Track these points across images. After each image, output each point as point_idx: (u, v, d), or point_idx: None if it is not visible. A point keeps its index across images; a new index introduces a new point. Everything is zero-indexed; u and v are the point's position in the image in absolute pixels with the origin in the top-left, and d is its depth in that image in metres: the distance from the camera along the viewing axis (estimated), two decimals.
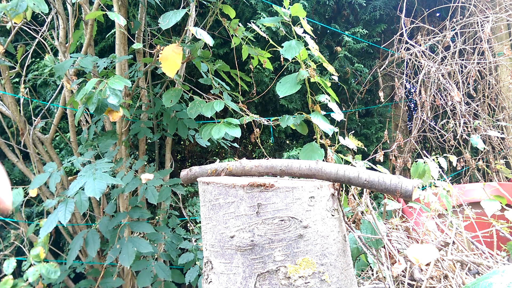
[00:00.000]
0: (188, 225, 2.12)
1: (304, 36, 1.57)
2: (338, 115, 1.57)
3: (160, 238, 1.83)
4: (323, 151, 1.52)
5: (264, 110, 3.00)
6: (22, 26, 1.99)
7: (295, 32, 1.57)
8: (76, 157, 1.80)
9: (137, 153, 2.40)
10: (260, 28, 2.11)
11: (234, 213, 0.80)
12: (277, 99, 2.91)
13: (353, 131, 2.50)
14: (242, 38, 1.91)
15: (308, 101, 1.64)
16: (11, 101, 1.99)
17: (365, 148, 2.97)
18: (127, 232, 1.86)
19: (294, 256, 0.78)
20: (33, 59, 2.71)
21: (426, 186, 1.57)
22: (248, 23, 1.87)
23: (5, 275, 1.64)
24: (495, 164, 2.70)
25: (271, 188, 0.78)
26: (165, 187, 1.80)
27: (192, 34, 1.60)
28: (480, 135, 2.49)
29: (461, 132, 2.64)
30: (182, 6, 2.34)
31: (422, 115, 2.89)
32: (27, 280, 1.57)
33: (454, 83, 2.78)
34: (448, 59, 2.84)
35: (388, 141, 2.93)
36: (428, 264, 1.18)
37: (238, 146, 2.81)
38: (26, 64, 2.27)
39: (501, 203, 1.49)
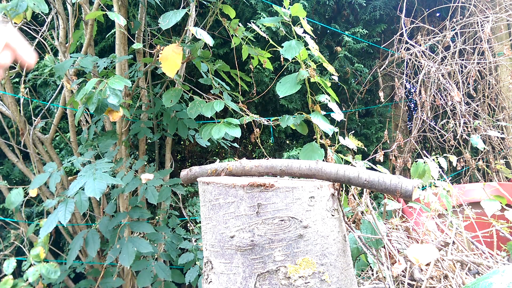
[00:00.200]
0: (188, 225, 2.12)
1: (304, 36, 1.57)
2: (338, 115, 1.57)
3: (160, 238, 1.83)
4: (323, 151, 1.52)
5: (264, 110, 3.00)
6: (22, 26, 1.99)
7: (295, 32, 1.57)
8: (76, 157, 1.80)
9: (137, 153, 2.40)
10: (260, 28, 2.11)
11: (234, 213, 0.80)
12: (277, 99, 2.91)
13: (353, 131, 2.50)
14: (242, 38, 1.91)
15: (308, 101, 1.64)
16: (11, 101, 1.99)
17: (365, 148, 2.97)
18: (127, 232, 1.86)
19: (294, 256, 0.78)
20: None
21: (426, 186, 1.57)
22: (248, 23, 1.87)
23: (5, 275, 1.64)
24: (495, 164, 2.70)
25: (271, 188, 0.78)
26: (165, 187, 1.80)
27: (192, 34, 1.60)
28: (480, 135, 2.49)
29: (461, 132, 2.64)
30: (182, 6, 2.34)
31: (422, 115, 2.89)
32: (27, 280, 1.57)
33: (454, 83, 2.78)
34: (448, 59, 2.84)
35: (388, 141, 2.93)
36: (428, 264, 1.18)
37: (238, 146, 2.81)
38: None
39: (501, 203, 1.49)
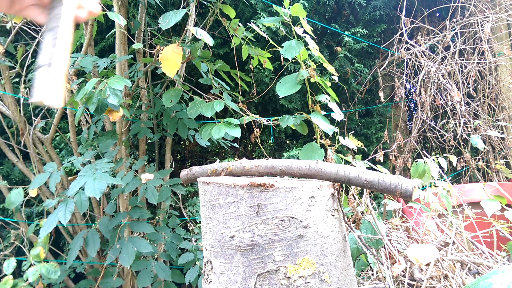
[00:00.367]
0: (188, 225, 2.12)
1: (304, 36, 1.57)
2: (338, 115, 1.56)
3: (160, 238, 1.83)
4: (323, 151, 1.52)
5: (264, 110, 3.00)
6: (22, 26, 1.99)
7: (295, 32, 1.57)
8: (76, 157, 1.80)
9: (137, 153, 2.40)
10: (260, 28, 2.11)
11: (234, 213, 0.80)
12: (277, 99, 2.91)
13: (353, 131, 2.50)
14: (242, 38, 1.91)
15: (308, 101, 1.64)
16: (11, 101, 1.99)
17: (365, 148, 2.97)
18: (127, 232, 1.86)
19: (294, 256, 0.78)
20: (33, 59, 2.70)
21: (426, 186, 1.57)
22: (248, 23, 1.87)
23: (5, 275, 1.64)
24: (495, 164, 2.70)
25: (271, 188, 0.78)
26: (165, 187, 1.80)
27: (192, 34, 1.60)
28: (480, 135, 2.49)
29: (461, 132, 2.64)
30: (182, 6, 2.34)
31: (422, 115, 2.89)
32: (27, 280, 1.57)
33: (454, 83, 2.78)
34: (448, 59, 2.84)
35: (388, 141, 2.93)
36: (428, 264, 1.18)
37: (238, 146, 2.81)
38: (26, 64, 2.27)
39: (501, 203, 1.49)
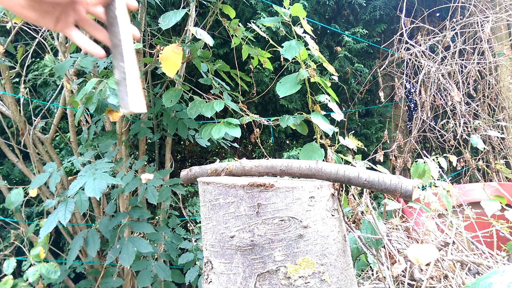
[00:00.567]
0: (188, 225, 2.12)
1: (304, 36, 1.57)
2: (338, 115, 1.56)
3: (160, 238, 1.83)
4: (323, 151, 1.52)
5: (264, 110, 3.00)
6: (22, 26, 1.99)
7: (295, 32, 1.57)
8: (76, 157, 1.80)
9: (137, 153, 2.40)
10: (260, 28, 2.11)
11: (234, 213, 0.80)
12: (277, 99, 2.91)
13: (353, 131, 2.50)
14: (242, 38, 1.91)
15: (308, 101, 1.64)
16: (11, 101, 1.99)
17: (365, 148, 2.97)
18: (127, 232, 1.86)
19: (294, 256, 0.78)
20: (33, 59, 2.71)
21: (426, 186, 1.57)
22: (248, 23, 1.87)
23: (5, 275, 1.64)
24: (495, 164, 2.70)
25: (271, 188, 0.78)
26: (165, 187, 1.80)
27: (192, 34, 1.60)
28: (480, 135, 2.49)
29: (461, 132, 2.64)
30: (182, 6, 2.34)
31: (422, 115, 2.89)
32: (27, 280, 1.57)
33: (454, 83, 2.78)
34: (448, 59, 2.84)
35: (388, 141, 2.93)
36: (428, 264, 1.18)
37: (238, 146, 2.81)
38: (26, 64, 2.28)
39: (501, 203, 1.49)
